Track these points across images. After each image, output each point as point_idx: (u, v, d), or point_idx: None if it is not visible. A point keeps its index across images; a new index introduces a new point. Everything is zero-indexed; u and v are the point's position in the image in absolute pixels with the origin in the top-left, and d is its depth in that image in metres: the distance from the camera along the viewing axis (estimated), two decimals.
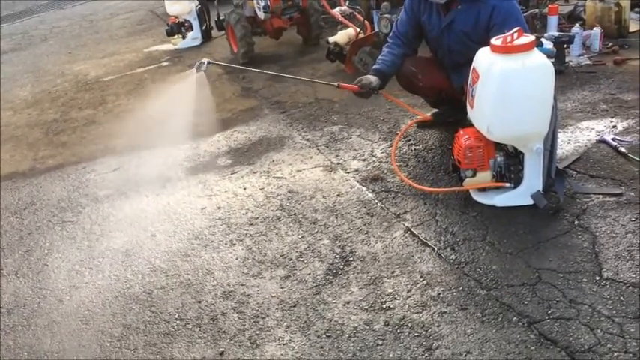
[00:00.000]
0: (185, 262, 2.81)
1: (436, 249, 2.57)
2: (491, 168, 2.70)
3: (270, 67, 5.44)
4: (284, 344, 2.21)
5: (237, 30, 5.52)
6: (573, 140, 3.22)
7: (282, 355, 2.17)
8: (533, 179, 2.62)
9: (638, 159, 2.91)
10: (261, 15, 5.56)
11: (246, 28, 5.51)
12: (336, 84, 3.27)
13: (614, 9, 4.56)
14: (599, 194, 2.71)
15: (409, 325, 2.19)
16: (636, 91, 3.67)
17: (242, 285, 2.57)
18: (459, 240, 2.60)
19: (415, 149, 3.48)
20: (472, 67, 2.65)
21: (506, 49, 2.44)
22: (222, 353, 2.22)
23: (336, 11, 5.19)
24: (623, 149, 3.00)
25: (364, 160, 3.47)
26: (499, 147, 2.70)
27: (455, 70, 3.23)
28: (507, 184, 2.71)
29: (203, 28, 6.84)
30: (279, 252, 2.75)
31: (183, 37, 6.88)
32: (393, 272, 2.48)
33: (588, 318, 2.06)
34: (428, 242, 2.62)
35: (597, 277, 2.24)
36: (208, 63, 3.37)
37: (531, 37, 2.48)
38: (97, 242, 3.12)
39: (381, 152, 3.51)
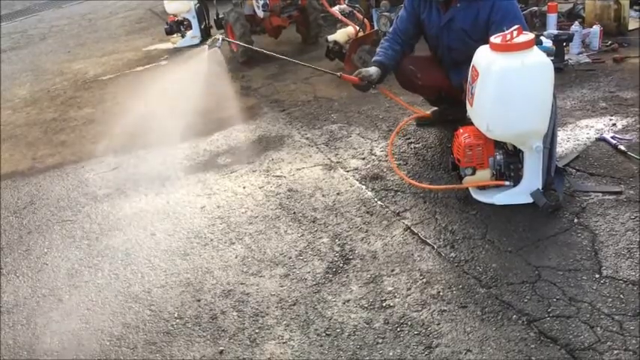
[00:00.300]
0: (184, 261, 2.81)
1: (436, 247, 2.57)
2: (490, 166, 2.70)
3: (269, 65, 5.46)
4: (283, 343, 2.21)
5: (237, 29, 5.51)
6: (573, 138, 3.22)
7: (281, 353, 2.16)
8: (532, 177, 2.62)
9: (637, 157, 2.91)
10: (260, 13, 5.55)
11: (245, 27, 5.50)
12: (338, 74, 3.28)
13: (613, 7, 4.56)
14: (598, 192, 2.71)
15: (409, 323, 2.19)
16: (636, 88, 3.67)
17: (241, 284, 2.57)
18: (459, 238, 2.60)
19: (415, 147, 3.48)
20: (471, 65, 2.65)
21: (506, 47, 2.44)
22: (221, 352, 2.22)
23: (336, 9, 5.20)
24: (622, 147, 3.00)
25: (363, 158, 3.46)
26: (499, 145, 2.69)
27: (454, 68, 3.24)
28: (507, 182, 2.71)
29: (202, 26, 6.82)
30: (278, 250, 2.75)
31: (183, 36, 6.86)
32: (392, 270, 2.48)
33: (588, 316, 2.06)
34: (427, 240, 2.62)
35: (597, 275, 2.24)
36: (222, 40, 3.36)
37: (531, 35, 2.47)
38: (97, 241, 3.12)
39: (381, 151, 3.51)
